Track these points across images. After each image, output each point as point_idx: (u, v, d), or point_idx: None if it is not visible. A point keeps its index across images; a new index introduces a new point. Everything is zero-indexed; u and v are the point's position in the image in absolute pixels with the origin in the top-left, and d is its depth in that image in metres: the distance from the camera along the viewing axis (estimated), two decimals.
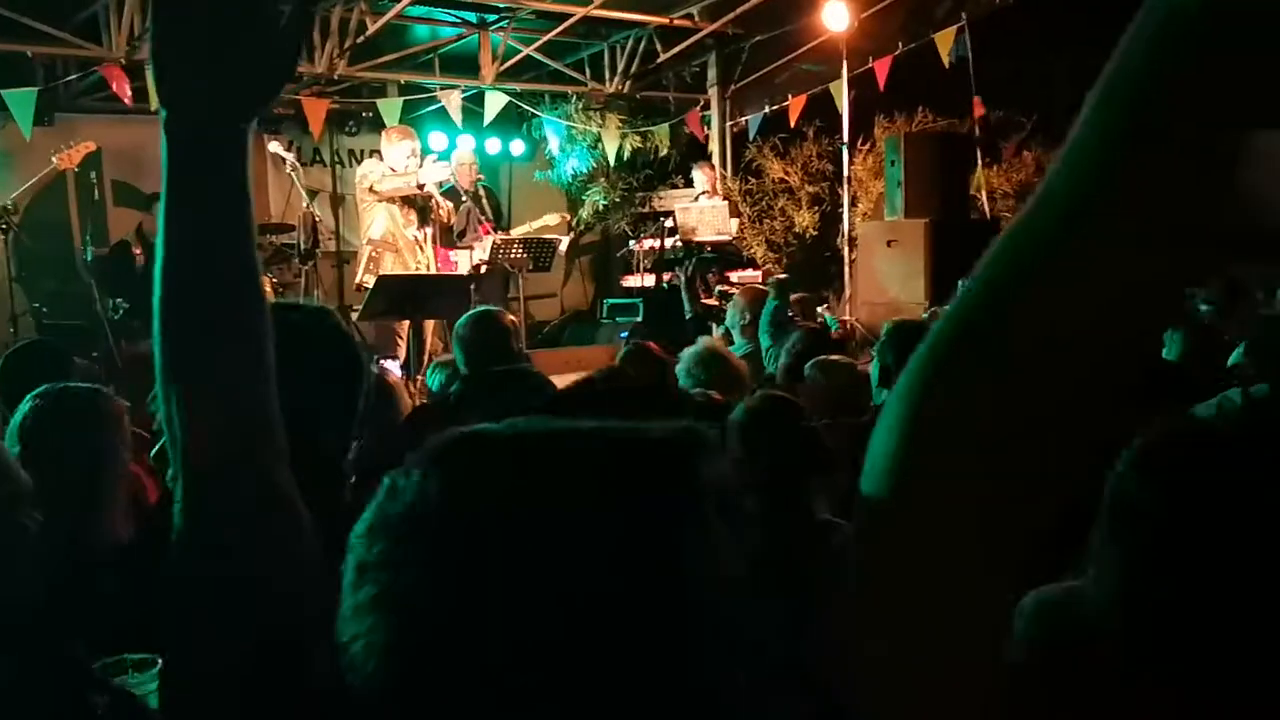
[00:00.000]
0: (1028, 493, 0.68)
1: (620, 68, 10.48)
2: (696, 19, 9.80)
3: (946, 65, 9.01)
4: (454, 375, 4.30)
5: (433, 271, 8.05)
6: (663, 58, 10.34)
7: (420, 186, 7.79)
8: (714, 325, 7.88)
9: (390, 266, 7.75)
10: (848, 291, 8.92)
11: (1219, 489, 1.56)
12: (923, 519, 0.68)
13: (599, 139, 10.80)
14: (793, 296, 6.50)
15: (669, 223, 9.77)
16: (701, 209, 9.66)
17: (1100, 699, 1.53)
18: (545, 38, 9.53)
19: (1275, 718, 1.35)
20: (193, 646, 1.00)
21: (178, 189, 0.98)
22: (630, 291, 10.58)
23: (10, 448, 2.13)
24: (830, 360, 4.27)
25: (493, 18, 9.60)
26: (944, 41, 8.96)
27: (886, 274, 8.45)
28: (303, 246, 8.26)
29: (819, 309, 7.89)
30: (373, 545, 0.69)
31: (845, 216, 9.03)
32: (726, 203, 9.83)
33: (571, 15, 9.08)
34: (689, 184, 10.62)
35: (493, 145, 10.81)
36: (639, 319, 9.75)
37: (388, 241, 7.87)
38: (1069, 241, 0.67)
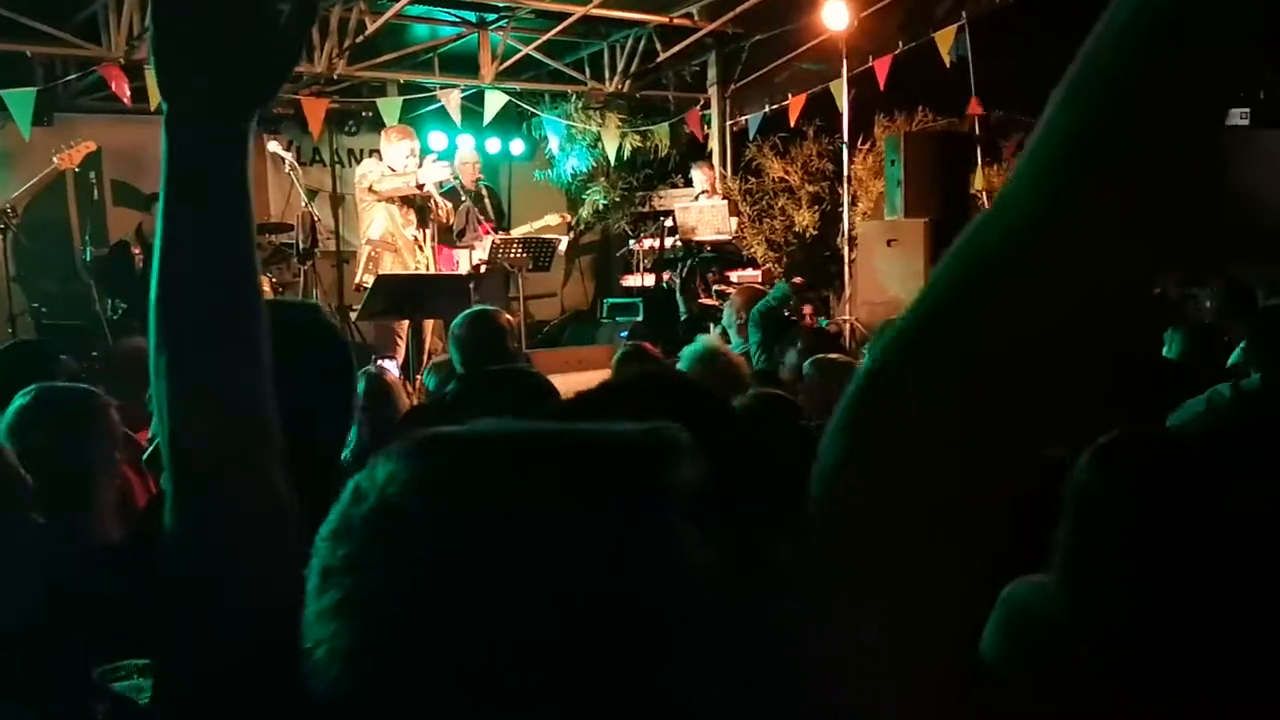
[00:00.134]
0: (991, 489, 0.68)
1: (620, 67, 10.47)
2: (696, 18, 9.78)
3: (947, 64, 9.00)
4: (450, 375, 4.29)
5: (432, 271, 8.05)
6: (662, 57, 10.33)
7: (420, 186, 7.78)
8: (711, 325, 7.87)
9: (389, 266, 7.75)
10: (847, 291, 8.91)
11: (1176, 488, 1.56)
12: (880, 517, 0.68)
13: (599, 138, 10.79)
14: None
15: (669, 222, 9.77)
16: (701, 208, 9.66)
17: (1062, 693, 1.53)
18: (545, 37, 9.52)
19: (1229, 709, 1.36)
20: (189, 648, 1.00)
21: (177, 186, 0.98)
22: (630, 291, 10.58)
23: None
24: (828, 359, 4.27)
25: (492, 17, 9.58)
26: (944, 40, 8.95)
27: (886, 273, 8.44)
28: (301, 246, 8.26)
29: (804, 309, 7.88)
30: (336, 549, 0.68)
31: (845, 216, 9.02)
32: (726, 202, 9.82)
33: (571, 14, 9.07)
34: (689, 183, 10.62)
35: (492, 145, 10.81)
36: (639, 319, 9.74)
37: (387, 241, 7.86)
38: (1034, 239, 0.66)
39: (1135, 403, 3.23)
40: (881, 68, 9.27)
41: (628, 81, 10.53)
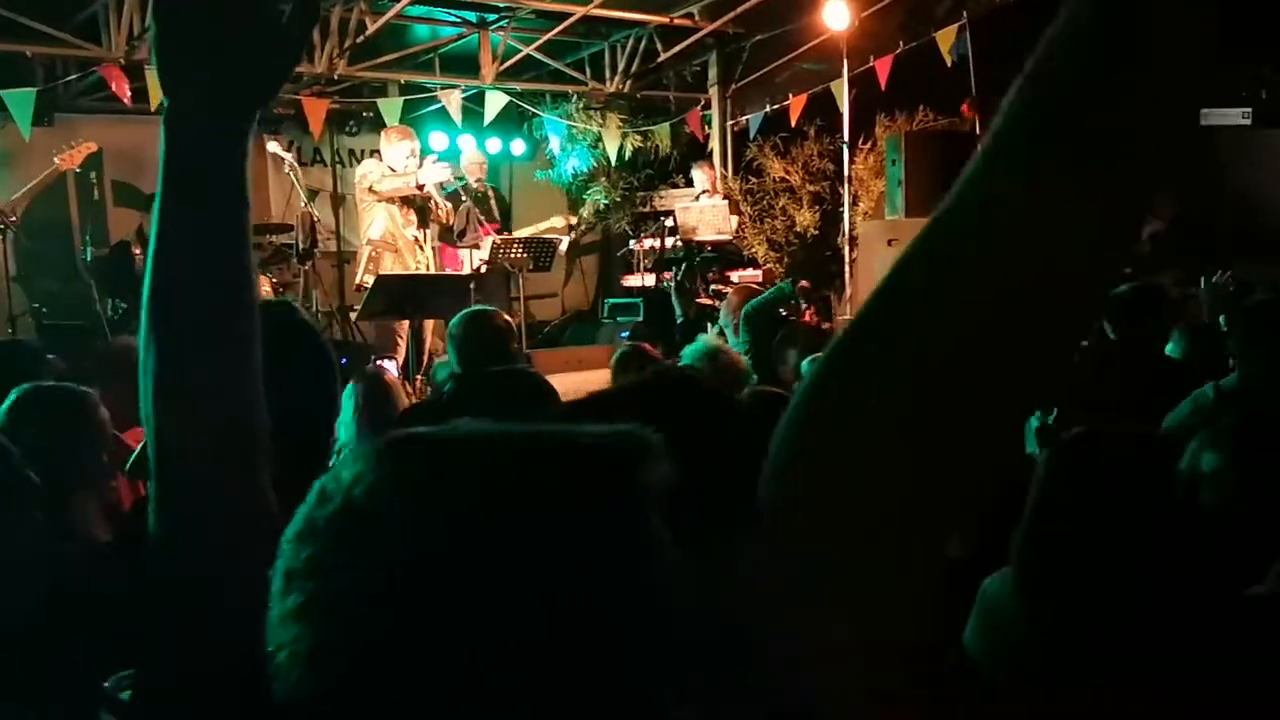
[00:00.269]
0: (953, 487, 0.68)
1: (620, 67, 10.46)
2: (697, 18, 9.78)
3: (948, 64, 9.00)
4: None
5: (433, 271, 8.05)
6: (663, 57, 10.33)
7: (419, 187, 7.79)
8: (709, 325, 7.87)
9: (390, 266, 7.75)
10: (848, 291, 8.90)
11: (1122, 485, 1.56)
12: (830, 518, 0.67)
13: (599, 138, 10.79)
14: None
15: (669, 222, 9.77)
16: (702, 208, 9.66)
17: (1023, 690, 1.52)
18: (545, 37, 9.52)
19: (1181, 709, 1.35)
20: (176, 651, 0.99)
21: (175, 184, 0.97)
22: (631, 291, 10.57)
23: None
24: None
25: (493, 17, 9.58)
26: (945, 40, 8.94)
27: None
28: (301, 246, 8.26)
29: (807, 308, 7.87)
30: (300, 551, 0.67)
31: (846, 216, 9.02)
32: (726, 201, 9.82)
33: (571, 14, 9.07)
34: (689, 183, 10.61)
35: (493, 145, 10.80)
36: (640, 318, 9.73)
37: (387, 241, 7.87)
38: (985, 236, 0.66)
39: (1138, 403, 3.23)
40: (882, 68, 9.26)
41: (628, 82, 10.53)
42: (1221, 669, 1.40)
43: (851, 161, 9.20)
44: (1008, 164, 0.66)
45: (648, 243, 10.13)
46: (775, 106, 10.35)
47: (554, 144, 10.99)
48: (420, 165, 7.85)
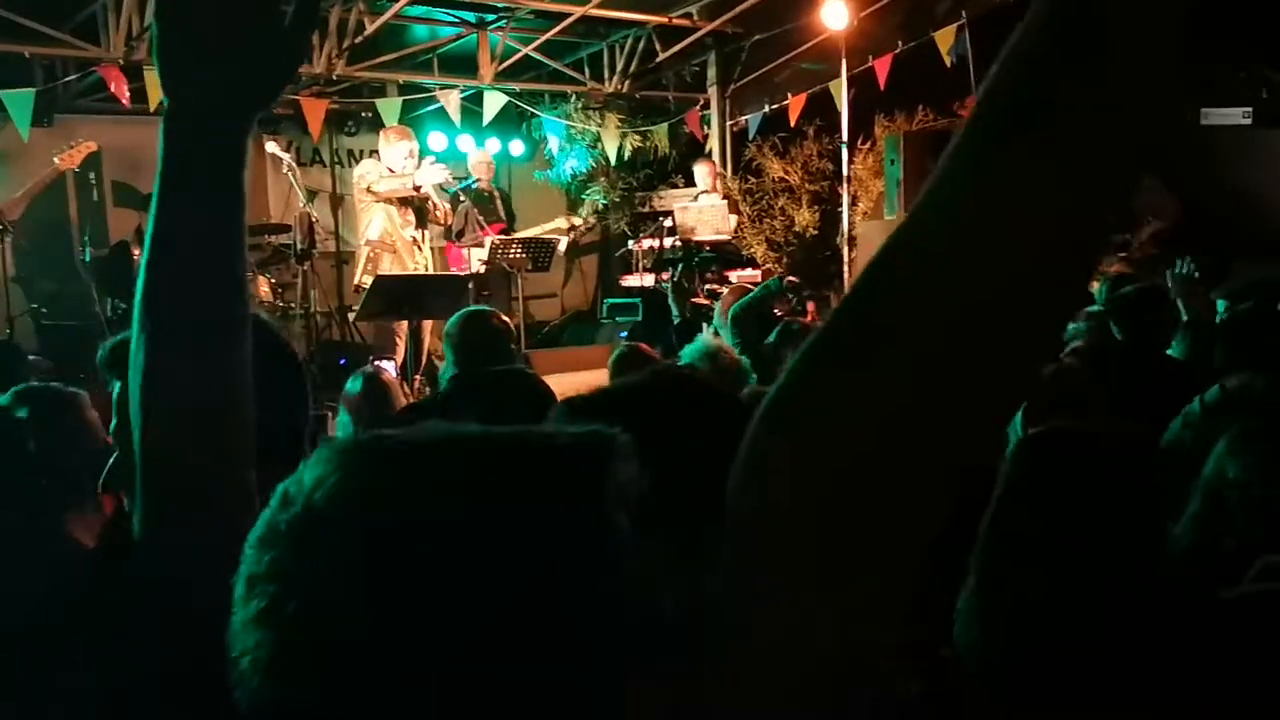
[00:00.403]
0: (927, 484, 0.67)
1: (619, 67, 10.47)
2: (695, 18, 9.78)
3: (948, 64, 9.00)
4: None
5: (432, 271, 8.04)
6: (662, 57, 10.33)
7: (417, 188, 7.78)
8: (704, 325, 7.86)
9: (388, 267, 7.75)
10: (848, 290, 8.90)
11: (1089, 485, 1.54)
12: (792, 515, 0.67)
13: (598, 138, 10.79)
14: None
15: (668, 222, 9.77)
16: (701, 208, 9.66)
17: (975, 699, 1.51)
18: (544, 37, 9.51)
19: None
20: (161, 650, 0.98)
21: (172, 183, 0.97)
22: (630, 291, 10.57)
23: None
24: None
25: (491, 17, 9.58)
26: (944, 40, 8.94)
27: None
28: (299, 247, 8.25)
29: (808, 306, 7.87)
30: (262, 556, 0.66)
31: (845, 215, 9.02)
32: (725, 201, 9.82)
33: (570, 14, 9.07)
34: (689, 183, 10.62)
35: (492, 145, 10.79)
36: (639, 318, 9.73)
37: (385, 242, 7.87)
38: (954, 238, 0.66)
39: (1141, 403, 3.22)
40: (881, 67, 9.26)
41: (627, 82, 10.53)
42: (1187, 675, 1.38)
43: (850, 161, 9.21)
44: (973, 156, 0.66)
45: (647, 243, 10.12)
46: (774, 106, 10.35)
47: (553, 144, 10.99)
48: (419, 166, 7.85)
